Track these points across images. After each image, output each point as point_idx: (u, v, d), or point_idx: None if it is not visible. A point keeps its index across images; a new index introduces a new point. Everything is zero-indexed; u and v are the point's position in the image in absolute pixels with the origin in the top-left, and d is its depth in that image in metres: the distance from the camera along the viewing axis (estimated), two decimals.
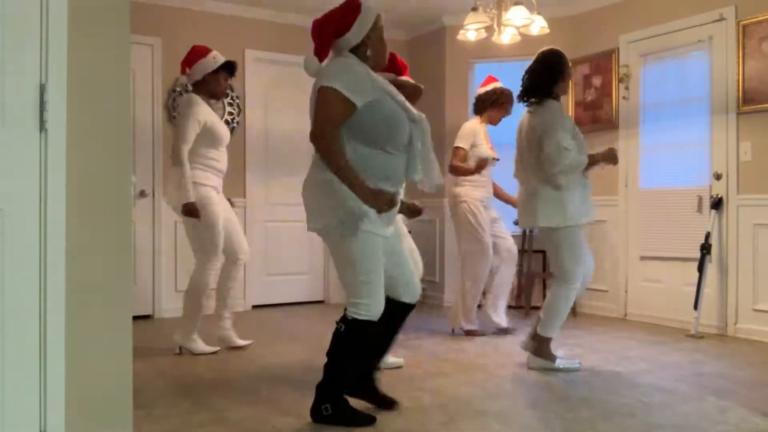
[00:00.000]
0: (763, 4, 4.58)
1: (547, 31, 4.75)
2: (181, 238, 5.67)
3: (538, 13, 4.66)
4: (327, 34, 2.74)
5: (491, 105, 4.83)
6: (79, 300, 2.00)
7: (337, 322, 2.81)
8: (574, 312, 5.70)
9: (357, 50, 2.76)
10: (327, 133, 2.65)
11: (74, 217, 1.99)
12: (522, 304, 5.94)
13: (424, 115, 2.81)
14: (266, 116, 6.17)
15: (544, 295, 6.05)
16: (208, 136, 4.06)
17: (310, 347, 4.38)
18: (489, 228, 4.75)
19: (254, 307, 6.13)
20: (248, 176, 6.09)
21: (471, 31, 4.73)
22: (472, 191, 4.73)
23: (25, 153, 1.92)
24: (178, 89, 5.73)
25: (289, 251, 6.34)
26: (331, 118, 2.64)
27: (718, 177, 4.86)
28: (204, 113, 4.05)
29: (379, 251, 2.72)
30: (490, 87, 4.86)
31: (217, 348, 4.24)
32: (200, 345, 4.18)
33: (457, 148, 4.75)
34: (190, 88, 4.27)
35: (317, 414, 2.77)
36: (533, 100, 3.75)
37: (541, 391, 3.30)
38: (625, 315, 5.53)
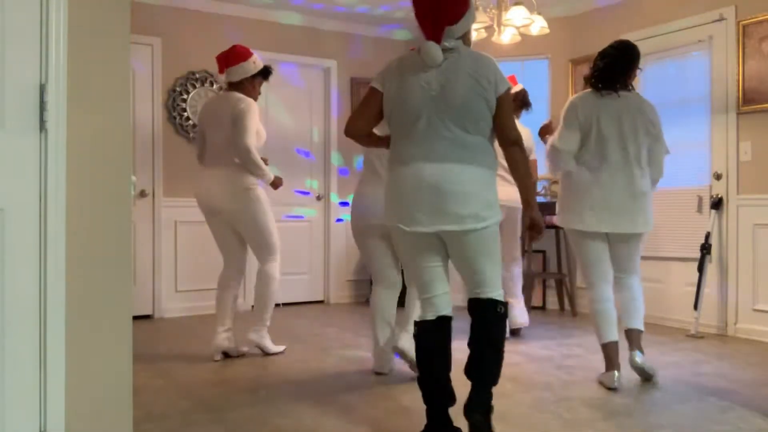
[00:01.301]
0: (763, 4, 4.58)
1: (547, 31, 4.76)
2: (181, 238, 5.69)
3: (538, 13, 4.67)
4: (443, 22, 2.55)
5: (520, 107, 4.78)
6: (79, 300, 2.00)
7: (492, 305, 2.52)
8: (573, 312, 5.71)
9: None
10: (514, 141, 2.59)
11: (74, 217, 2.00)
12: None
13: None
14: (266, 116, 6.16)
15: (543, 295, 6.08)
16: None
17: (310, 347, 4.38)
18: None
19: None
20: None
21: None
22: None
23: (25, 153, 1.92)
24: (178, 89, 5.73)
25: (289, 251, 6.33)
26: (514, 122, 2.62)
27: (718, 177, 4.86)
28: None
29: None
30: (518, 89, 4.74)
31: (285, 347, 4.28)
32: (270, 343, 4.21)
33: None
34: (221, 86, 4.27)
35: (484, 412, 2.46)
36: (617, 86, 3.53)
37: (541, 391, 3.30)
38: None
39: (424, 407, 2.53)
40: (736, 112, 4.74)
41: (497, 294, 2.55)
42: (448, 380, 2.54)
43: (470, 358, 2.50)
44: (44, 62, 1.94)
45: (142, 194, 5.57)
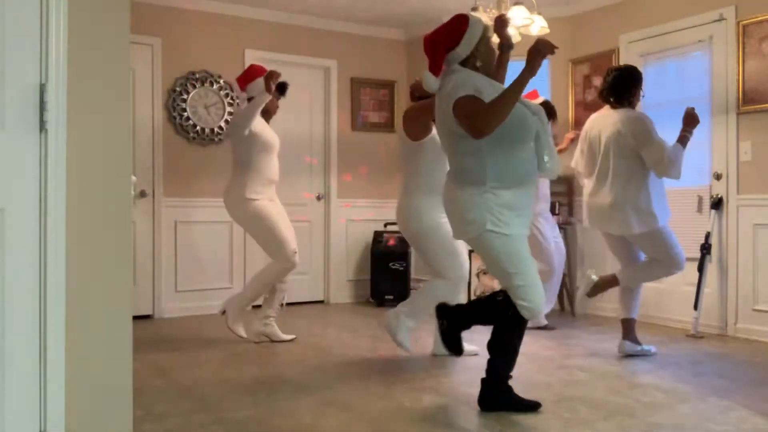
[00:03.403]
0: (763, 4, 4.58)
1: (547, 31, 4.75)
2: (181, 238, 5.69)
3: (538, 13, 4.66)
4: (440, 49, 2.90)
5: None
6: (79, 300, 2.00)
7: (503, 306, 2.92)
8: (573, 312, 5.71)
9: (466, 62, 2.92)
10: (486, 122, 2.72)
11: (74, 217, 2.00)
12: None
13: (539, 106, 3.03)
14: None
15: None
16: (258, 143, 4.35)
17: (310, 347, 4.38)
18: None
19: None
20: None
21: None
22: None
23: (25, 153, 1.92)
24: (178, 89, 5.73)
25: None
26: (479, 110, 2.74)
27: (718, 177, 4.86)
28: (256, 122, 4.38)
29: None
30: (540, 100, 4.75)
31: (294, 336, 4.58)
32: (278, 331, 4.53)
33: None
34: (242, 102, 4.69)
35: (492, 402, 2.96)
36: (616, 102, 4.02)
37: (541, 391, 3.30)
38: None
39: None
40: (736, 112, 4.74)
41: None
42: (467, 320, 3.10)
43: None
44: (44, 62, 1.94)
45: (142, 194, 5.57)
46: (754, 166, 4.66)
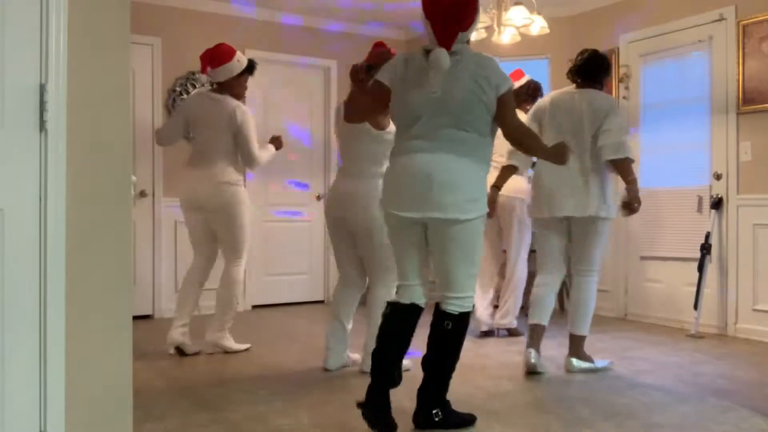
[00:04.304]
0: (763, 4, 4.58)
1: (547, 31, 4.75)
2: (181, 238, 5.68)
3: (538, 13, 4.67)
4: (455, 26, 2.62)
5: (526, 99, 4.74)
6: (79, 300, 2.00)
7: (443, 318, 2.68)
8: None
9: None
10: (519, 140, 2.79)
11: (74, 217, 1.99)
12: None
13: None
14: (266, 116, 6.17)
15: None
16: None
17: (310, 347, 4.38)
18: None
19: (254, 307, 6.13)
20: (248, 176, 6.08)
21: None
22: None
23: (25, 153, 1.92)
24: (178, 89, 5.72)
25: (289, 251, 6.34)
26: (522, 124, 2.81)
27: (718, 177, 4.86)
28: None
29: None
30: (524, 80, 4.80)
31: (249, 345, 4.31)
32: (233, 342, 4.23)
33: None
34: (206, 85, 4.38)
35: (426, 420, 2.71)
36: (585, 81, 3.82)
37: (541, 391, 3.30)
38: (625, 315, 5.52)
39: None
40: (736, 112, 4.74)
41: (460, 301, 2.68)
42: (398, 363, 2.73)
43: (426, 353, 2.74)
44: (44, 62, 1.94)
45: (142, 194, 5.57)
46: (754, 166, 4.66)
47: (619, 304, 5.57)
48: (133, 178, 2.17)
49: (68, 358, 1.98)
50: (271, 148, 4.36)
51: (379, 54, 3.63)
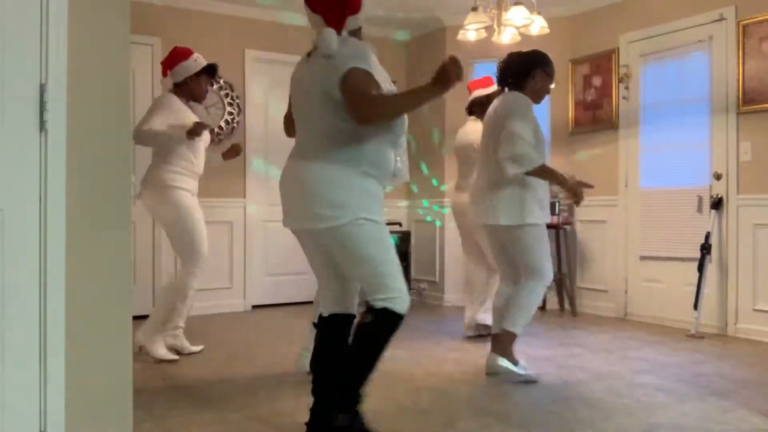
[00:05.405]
0: (763, 4, 4.58)
1: (547, 31, 4.75)
2: None
3: (538, 13, 4.66)
4: (346, 10, 2.56)
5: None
6: (79, 300, 2.00)
7: (366, 311, 2.47)
8: (573, 312, 5.71)
9: (354, 35, 2.61)
10: (378, 114, 2.40)
11: (74, 217, 2.00)
12: None
13: None
14: (266, 116, 6.17)
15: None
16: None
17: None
18: None
19: (254, 307, 6.13)
20: (248, 176, 6.08)
21: (471, 31, 4.72)
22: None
23: (25, 153, 1.92)
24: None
25: (289, 251, 6.32)
26: (375, 96, 2.40)
27: (718, 177, 4.86)
28: (180, 115, 4.00)
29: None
30: (491, 89, 4.57)
31: (177, 357, 3.96)
32: (162, 350, 3.91)
33: None
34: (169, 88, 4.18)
35: (324, 423, 2.46)
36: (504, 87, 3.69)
37: (541, 391, 3.30)
38: (625, 315, 5.53)
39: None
40: (736, 112, 4.74)
41: (383, 302, 2.44)
42: (321, 377, 2.53)
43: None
44: (44, 62, 1.94)
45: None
46: (754, 166, 4.66)
47: (619, 304, 5.58)
48: (133, 178, 2.17)
49: (68, 358, 1.98)
50: (170, 131, 3.94)
51: None
